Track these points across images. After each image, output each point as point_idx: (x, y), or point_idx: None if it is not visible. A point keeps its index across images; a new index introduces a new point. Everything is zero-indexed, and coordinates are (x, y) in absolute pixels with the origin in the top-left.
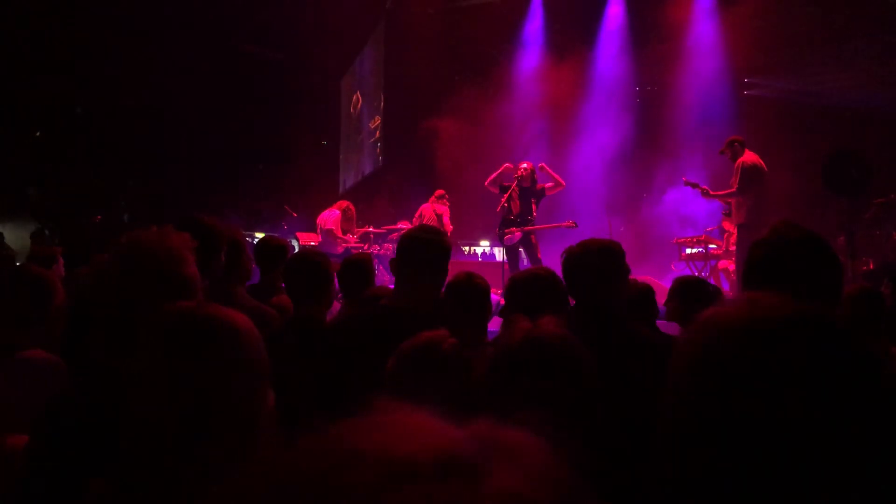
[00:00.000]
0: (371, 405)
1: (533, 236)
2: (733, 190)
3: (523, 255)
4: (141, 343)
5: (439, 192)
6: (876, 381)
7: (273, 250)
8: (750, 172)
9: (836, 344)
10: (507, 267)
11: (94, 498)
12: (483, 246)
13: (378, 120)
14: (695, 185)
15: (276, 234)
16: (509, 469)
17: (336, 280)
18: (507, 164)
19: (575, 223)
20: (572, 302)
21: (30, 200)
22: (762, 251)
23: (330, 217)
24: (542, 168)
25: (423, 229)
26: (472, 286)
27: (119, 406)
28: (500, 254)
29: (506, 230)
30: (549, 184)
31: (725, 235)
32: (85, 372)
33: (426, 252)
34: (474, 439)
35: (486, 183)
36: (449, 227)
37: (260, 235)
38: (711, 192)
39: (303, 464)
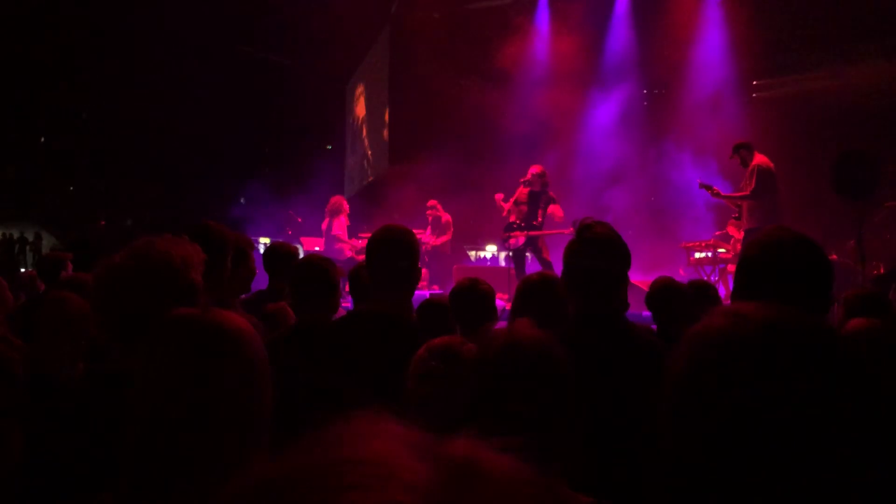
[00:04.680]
0: (332, 427)
1: (540, 239)
2: (747, 193)
3: (529, 259)
4: (144, 348)
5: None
6: (862, 381)
7: (281, 256)
8: (766, 176)
9: (821, 347)
10: (513, 272)
11: None
12: (489, 251)
13: (385, 124)
14: (709, 188)
15: (282, 240)
16: None
17: (348, 286)
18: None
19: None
20: None
21: (6, 177)
22: (752, 254)
23: (335, 222)
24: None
25: (385, 230)
26: (477, 291)
27: (123, 413)
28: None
29: (509, 234)
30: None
31: (732, 241)
32: (96, 377)
33: (389, 253)
34: (445, 474)
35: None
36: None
37: (265, 241)
38: (723, 195)
39: None
